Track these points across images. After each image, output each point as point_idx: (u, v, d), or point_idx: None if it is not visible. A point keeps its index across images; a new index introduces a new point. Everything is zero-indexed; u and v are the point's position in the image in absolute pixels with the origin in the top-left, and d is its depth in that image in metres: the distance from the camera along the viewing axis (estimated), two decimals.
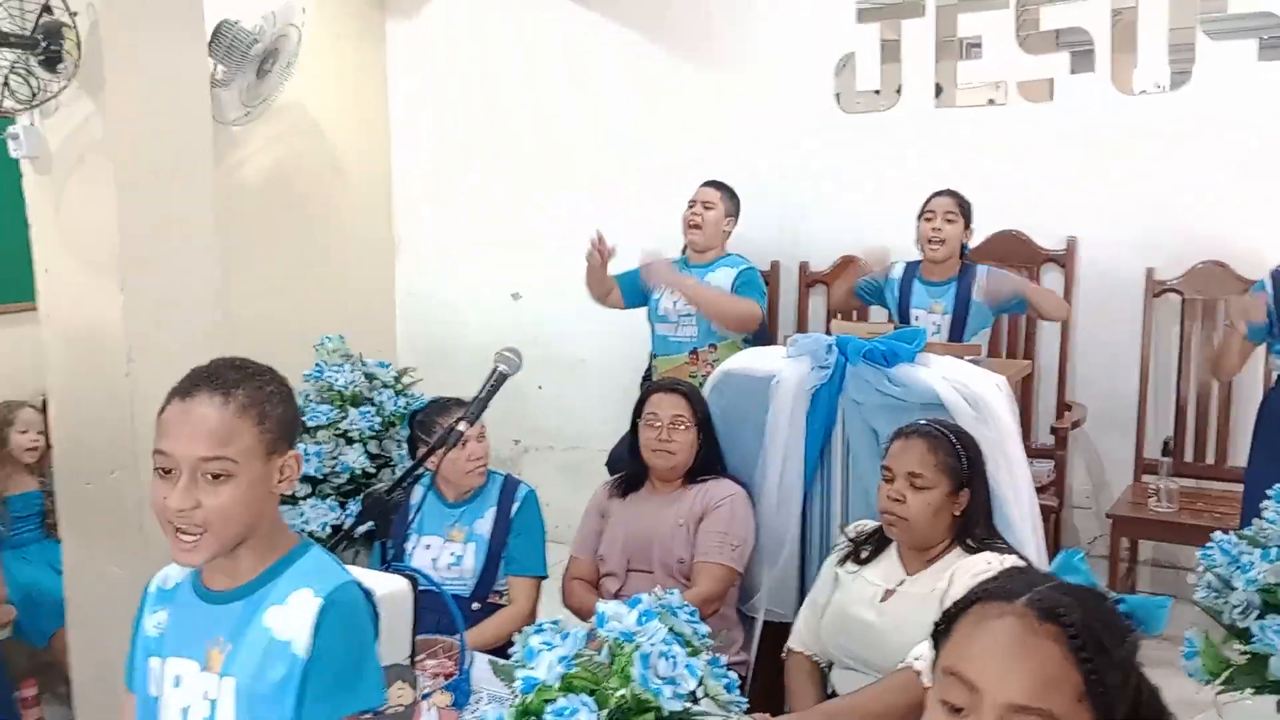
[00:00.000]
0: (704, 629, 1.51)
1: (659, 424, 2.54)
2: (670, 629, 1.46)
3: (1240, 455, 3.31)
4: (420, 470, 2.04)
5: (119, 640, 1.57)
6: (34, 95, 2.53)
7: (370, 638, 1.38)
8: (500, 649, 2.41)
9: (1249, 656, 1.82)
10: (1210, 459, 3.60)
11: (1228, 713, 1.86)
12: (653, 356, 3.79)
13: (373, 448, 2.81)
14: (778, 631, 2.50)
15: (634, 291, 3.79)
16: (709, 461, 2.59)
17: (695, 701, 1.44)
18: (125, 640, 1.53)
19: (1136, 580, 3.72)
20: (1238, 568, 1.86)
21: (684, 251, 3.80)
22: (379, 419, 2.81)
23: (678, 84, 4.35)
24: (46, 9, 2.44)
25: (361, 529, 2.02)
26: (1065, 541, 3.79)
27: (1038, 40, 3.74)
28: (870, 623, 2.07)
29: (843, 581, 2.20)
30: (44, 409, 3.01)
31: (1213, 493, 3.51)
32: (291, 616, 1.33)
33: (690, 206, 3.70)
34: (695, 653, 1.46)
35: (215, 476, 1.30)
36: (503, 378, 1.92)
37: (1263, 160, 3.42)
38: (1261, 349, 3.10)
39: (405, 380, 2.98)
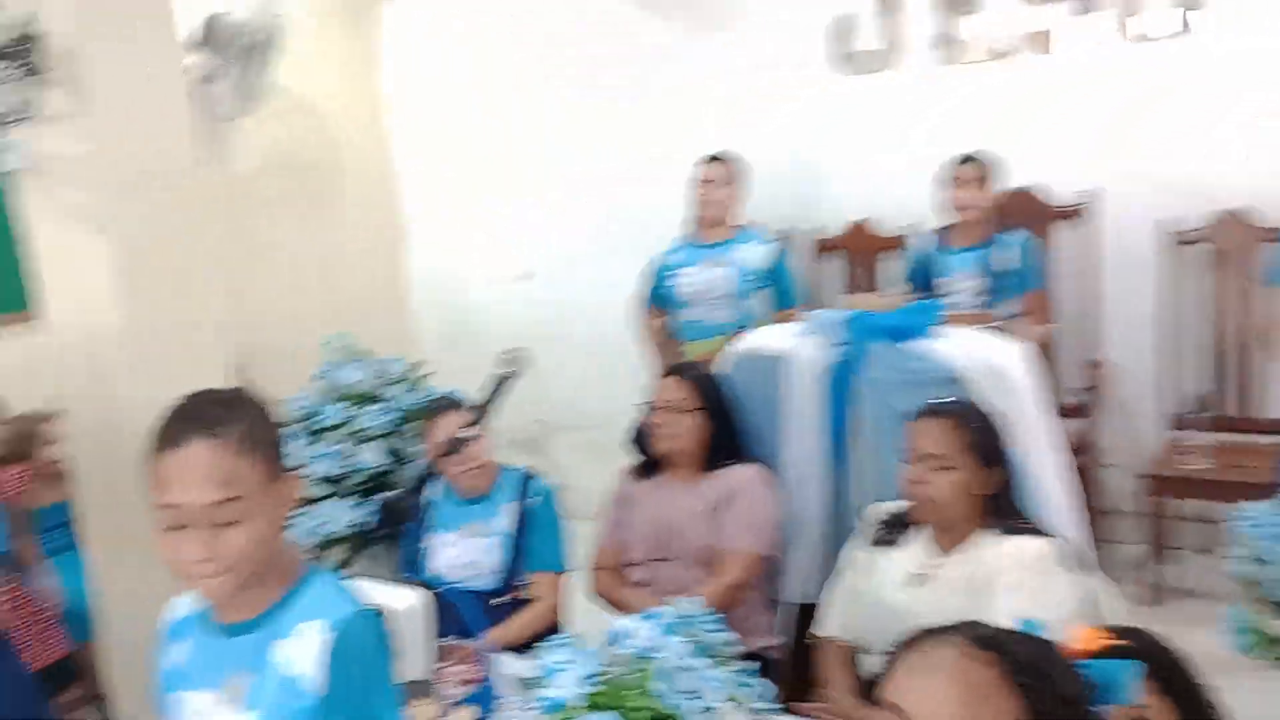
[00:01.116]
0: (728, 636, 1.47)
1: (658, 409, 2.50)
2: (693, 639, 1.42)
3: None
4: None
5: (149, 649, 1.53)
6: (19, 107, 2.49)
7: (384, 668, 1.34)
8: (527, 645, 2.39)
9: None
10: (1249, 411, 3.51)
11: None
12: (684, 341, 3.69)
13: (389, 444, 2.77)
14: (807, 613, 2.47)
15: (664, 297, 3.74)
16: (727, 446, 2.54)
17: None
18: (154, 649, 1.50)
19: (1171, 537, 3.66)
20: (1276, 539, 1.80)
21: (693, 227, 3.72)
22: (393, 415, 2.77)
23: (679, 53, 4.25)
24: (25, 23, 2.39)
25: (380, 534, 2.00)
26: (1097, 501, 3.72)
27: None
28: (903, 607, 2.02)
29: (871, 565, 2.16)
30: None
31: (1251, 447, 3.42)
32: (302, 650, 1.30)
33: (698, 187, 3.60)
34: (721, 662, 1.42)
35: (228, 520, 1.26)
36: (506, 379, 1.87)
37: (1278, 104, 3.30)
38: None
39: (417, 374, 2.93)
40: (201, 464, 1.25)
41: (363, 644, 1.32)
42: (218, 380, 2.76)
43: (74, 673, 3.16)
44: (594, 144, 4.48)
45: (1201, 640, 1.77)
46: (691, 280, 3.61)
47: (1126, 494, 3.74)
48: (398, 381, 2.88)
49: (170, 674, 1.42)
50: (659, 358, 3.75)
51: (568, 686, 1.33)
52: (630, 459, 2.84)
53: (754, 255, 3.57)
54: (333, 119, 4.68)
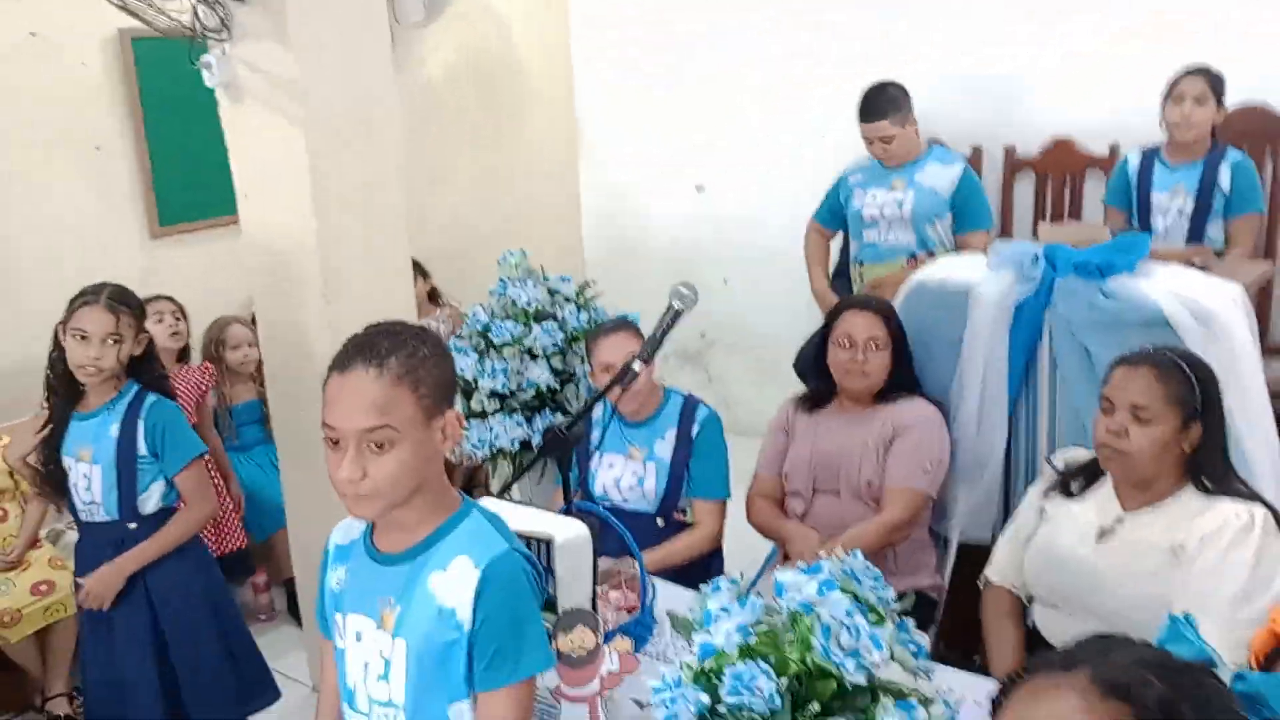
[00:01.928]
0: (890, 594, 1.43)
1: (853, 346, 2.41)
2: (854, 595, 1.39)
3: None
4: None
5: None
6: (222, 24, 2.58)
7: (531, 605, 1.36)
8: (686, 569, 2.41)
9: None
10: None
11: None
12: (859, 264, 3.59)
13: (556, 363, 2.82)
14: (973, 554, 2.39)
15: (838, 217, 3.67)
16: (901, 379, 2.45)
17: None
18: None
19: None
20: None
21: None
22: (562, 334, 2.80)
23: None
24: None
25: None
26: None
27: None
28: (1085, 563, 1.92)
29: (1050, 514, 2.05)
30: (254, 322, 3.19)
31: None
32: (453, 584, 1.34)
33: (869, 144, 3.43)
34: (880, 620, 1.39)
35: (379, 446, 1.31)
36: (678, 315, 1.85)
37: None
38: None
39: (587, 294, 2.95)
40: (360, 390, 1.31)
41: (510, 585, 1.34)
42: (402, 289, 2.85)
43: (251, 562, 3.42)
44: (779, 53, 4.32)
45: None
46: (871, 202, 3.48)
47: None
48: (568, 300, 2.90)
49: (332, 595, 1.50)
50: (815, 274, 3.72)
51: (724, 636, 1.32)
52: (799, 388, 2.78)
53: (937, 177, 3.39)
54: (517, 26, 4.67)
